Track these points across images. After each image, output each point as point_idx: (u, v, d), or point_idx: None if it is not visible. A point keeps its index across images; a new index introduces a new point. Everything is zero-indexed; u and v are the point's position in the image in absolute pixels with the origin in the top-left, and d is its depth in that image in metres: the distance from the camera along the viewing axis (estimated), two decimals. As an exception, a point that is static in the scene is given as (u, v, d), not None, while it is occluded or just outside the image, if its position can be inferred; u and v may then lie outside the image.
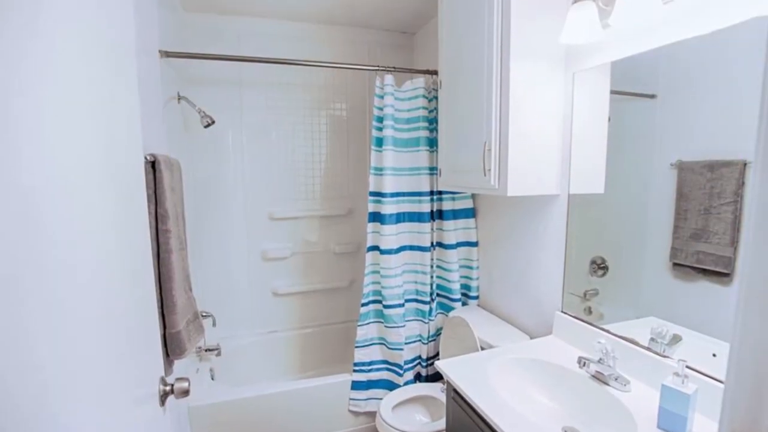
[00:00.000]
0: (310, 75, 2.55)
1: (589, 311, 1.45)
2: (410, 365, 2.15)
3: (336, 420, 2.08)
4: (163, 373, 0.90)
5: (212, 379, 2.20)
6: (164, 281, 1.35)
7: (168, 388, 0.86)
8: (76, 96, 0.57)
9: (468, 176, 1.66)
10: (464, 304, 2.18)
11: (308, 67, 2.44)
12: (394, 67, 2.03)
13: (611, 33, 1.27)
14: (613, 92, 1.32)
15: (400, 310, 2.07)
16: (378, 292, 2.11)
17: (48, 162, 0.48)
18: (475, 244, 2.14)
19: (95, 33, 0.64)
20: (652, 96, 1.19)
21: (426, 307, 2.15)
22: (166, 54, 1.68)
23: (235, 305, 2.57)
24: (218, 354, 2.26)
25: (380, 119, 2.03)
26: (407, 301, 2.14)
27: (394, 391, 1.96)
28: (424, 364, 2.21)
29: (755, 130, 0.40)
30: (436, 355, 2.22)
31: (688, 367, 1.03)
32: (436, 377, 2.21)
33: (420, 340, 2.19)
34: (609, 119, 1.33)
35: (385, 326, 2.09)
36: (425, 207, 2.10)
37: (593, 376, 1.23)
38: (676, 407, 0.97)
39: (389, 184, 2.02)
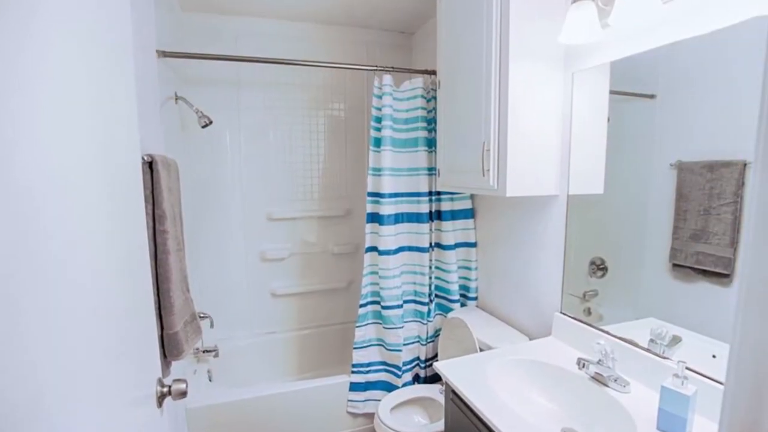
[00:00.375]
0: (308, 75, 2.55)
1: (589, 312, 1.45)
2: (409, 366, 2.15)
3: (334, 421, 2.08)
4: (160, 375, 0.89)
5: (210, 380, 2.19)
6: (162, 282, 1.34)
7: (165, 389, 0.86)
8: (75, 95, 0.56)
9: (467, 176, 1.66)
10: (463, 305, 2.18)
11: (306, 67, 2.44)
12: (392, 67, 2.02)
13: (610, 33, 1.27)
14: (612, 92, 1.32)
15: (398, 311, 2.07)
16: (376, 293, 2.10)
17: (46, 162, 0.48)
18: (473, 245, 2.14)
19: (94, 33, 0.64)
20: (652, 96, 1.19)
21: (424, 308, 2.15)
22: (164, 54, 1.68)
23: (233, 306, 2.56)
24: (216, 355, 2.25)
25: (378, 119, 2.03)
26: (405, 302, 2.14)
27: (393, 393, 1.95)
28: (422, 365, 2.20)
29: (755, 130, 0.40)
30: (435, 357, 2.21)
31: (687, 368, 1.03)
32: (435, 378, 2.21)
33: (418, 342, 2.19)
34: (608, 119, 1.33)
35: (384, 327, 2.08)
36: (424, 207, 2.10)
37: (592, 377, 1.23)
38: (676, 409, 0.97)
39: (387, 185, 2.01)
